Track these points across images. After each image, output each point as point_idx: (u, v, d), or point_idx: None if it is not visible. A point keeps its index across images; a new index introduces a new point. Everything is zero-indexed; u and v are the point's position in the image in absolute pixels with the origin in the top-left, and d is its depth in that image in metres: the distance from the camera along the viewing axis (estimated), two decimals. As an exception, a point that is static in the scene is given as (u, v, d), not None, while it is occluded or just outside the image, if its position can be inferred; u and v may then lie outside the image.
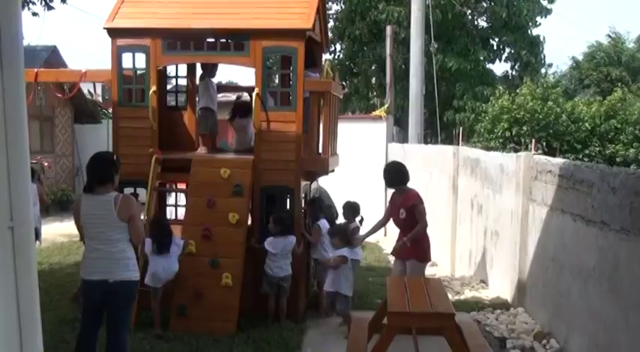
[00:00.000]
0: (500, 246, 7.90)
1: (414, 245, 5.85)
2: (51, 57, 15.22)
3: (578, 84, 27.07)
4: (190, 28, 6.36)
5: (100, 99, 17.42)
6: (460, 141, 12.16)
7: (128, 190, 6.21)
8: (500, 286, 7.78)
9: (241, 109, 7.12)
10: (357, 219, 6.89)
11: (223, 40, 6.48)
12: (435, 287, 5.07)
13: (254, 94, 6.30)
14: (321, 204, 6.98)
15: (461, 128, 14.28)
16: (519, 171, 7.11)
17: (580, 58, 30.71)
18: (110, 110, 7.22)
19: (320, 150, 6.78)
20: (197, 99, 7.43)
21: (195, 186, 6.33)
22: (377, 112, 13.75)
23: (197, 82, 7.40)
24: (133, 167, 6.27)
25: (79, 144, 17.37)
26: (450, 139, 19.63)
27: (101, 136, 16.02)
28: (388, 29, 14.74)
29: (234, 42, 6.36)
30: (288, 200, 6.48)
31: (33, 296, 2.46)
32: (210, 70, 7.23)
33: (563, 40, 38.75)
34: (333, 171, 7.04)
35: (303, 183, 6.62)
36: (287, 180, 6.32)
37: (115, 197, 4.44)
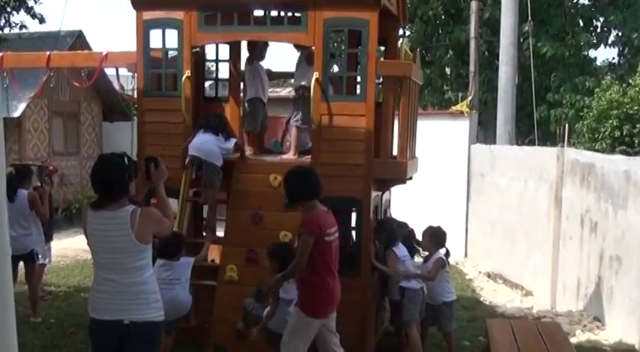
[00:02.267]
0: (624, 275, 7.45)
1: (302, 288, 4.96)
2: (76, 43, 15.20)
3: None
4: (234, -3, 6.26)
5: (131, 93, 17.43)
6: (565, 142, 11.30)
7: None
8: (624, 327, 7.33)
9: None
10: (442, 251, 6.45)
11: (275, 13, 6.46)
12: (555, 336, 4.28)
13: (312, 80, 6.04)
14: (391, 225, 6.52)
15: (566, 125, 13.38)
16: (657, 181, 6.55)
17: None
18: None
19: (395, 152, 6.54)
20: (242, 88, 7.20)
21: (238, 197, 6.21)
22: (457, 107, 13.07)
23: (243, 67, 7.24)
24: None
25: (108, 144, 17.25)
26: (542, 140, 18.72)
27: (133, 136, 15.83)
28: (473, 5, 14.18)
29: (289, 14, 6.28)
30: (354, 215, 6.28)
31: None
32: (259, 51, 6.99)
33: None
34: (411, 178, 6.71)
35: (374, 193, 6.33)
36: (354, 189, 6.07)
37: (132, 213, 3.97)
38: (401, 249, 6.30)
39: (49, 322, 7.53)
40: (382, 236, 6.32)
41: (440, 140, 12.26)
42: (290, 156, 6.77)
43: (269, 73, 7.33)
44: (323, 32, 6.00)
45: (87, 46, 15.35)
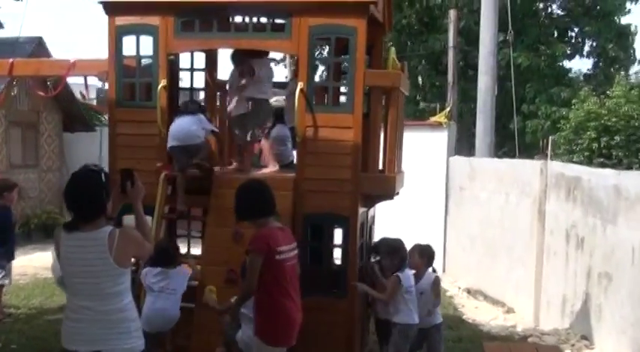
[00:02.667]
0: (614, 293, 7.38)
1: (256, 312, 4.77)
2: (36, 50, 14.78)
3: (670, 85, 26.25)
4: (213, 2, 6.13)
5: (94, 102, 17.17)
6: (549, 154, 11.32)
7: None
8: (614, 346, 7.26)
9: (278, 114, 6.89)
10: (430, 269, 6.41)
11: (257, 19, 6.31)
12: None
13: (297, 90, 5.89)
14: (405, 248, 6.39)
15: (549, 138, 13.45)
16: (651, 196, 6.55)
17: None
18: (107, 115, 7.01)
19: (382, 166, 6.42)
20: (227, 99, 6.95)
21: (218, 213, 6.01)
22: (436, 118, 13.16)
23: (219, 76, 7.19)
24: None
25: (68, 156, 17.08)
26: (514, 153, 18.86)
27: (95, 147, 15.63)
28: (452, 14, 14.25)
29: (272, 20, 6.20)
30: (341, 232, 6.13)
31: None
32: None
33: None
34: (398, 193, 6.60)
35: (361, 210, 6.21)
36: (340, 205, 5.97)
37: (110, 234, 3.77)
38: (407, 277, 6.10)
39: (9, 348, 7.22)
40: (395, 260, 6.12)
41: (417, 152, 12.05)
42: (271, 169, 6.63)
43: None
44: (308, 40, 5.88)
45: (47, 54, 14.98)
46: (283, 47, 6.16)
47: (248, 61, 6.35)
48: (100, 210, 3.82)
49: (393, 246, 6.23)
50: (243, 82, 6.35)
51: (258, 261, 4.64)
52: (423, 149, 12.24)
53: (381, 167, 6.43)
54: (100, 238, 3.76)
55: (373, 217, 7.34)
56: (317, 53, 6.66)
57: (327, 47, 8.37)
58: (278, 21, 6.16)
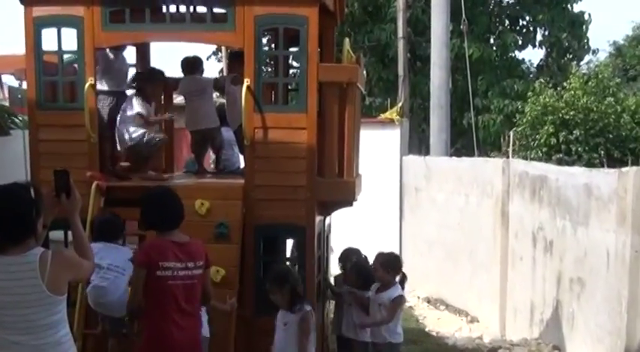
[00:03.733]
0: (588, 299, 7.43)
1: (140, 338, 4.73)
2: None
3: (623, 75, 26.89)
4: (145, -12, 6.08)
5: (6, 103, 16.56)
6: (510, 151, 11.39)
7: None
8: None
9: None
10: (397, 278, 6.43)
11: (194, 8, 6.22)
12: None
13: (243, 88, 5.83)
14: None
15: (510, 134, 13.53)
16: (626, 196, 6.57)
17: (622, 43, 30.46)
18: (24, 117, 6.74)
19: (339, 170, 6.31)
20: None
21: None
22: (387, 115, 13.27)
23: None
24: (60, 201, 5.63)
25: None
26: (469, 149, 19.00)
27: (13, 154, 15.00)
28: (400, 1, 14.26)
29: (212, 9, 6.06)
30: (296, 245, 6.22)
31: None
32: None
33: (601, 21, 38.88)
34: (356, 199, 6.57)
35: (318, 218, 6.25)
36: (295, 215, 5.97)
37: (42, 257, 3.57)
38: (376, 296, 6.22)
39: None
40: (359, 282, 6.31)
41: (368, 151, 12.06)
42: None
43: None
44: (254, 31, 5.82)
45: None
46: (226, 40, 6.09)
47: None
48: (29, 230, 3.62)
49: (351, 268, 6.43)
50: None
51: (140, 275, 4.49)
52: (373, 148, 12.17)
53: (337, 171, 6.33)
54: (29, 262, 3.56)
55: (330, 226, 7.33)
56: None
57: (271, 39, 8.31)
58: (219, 10, 6.08)
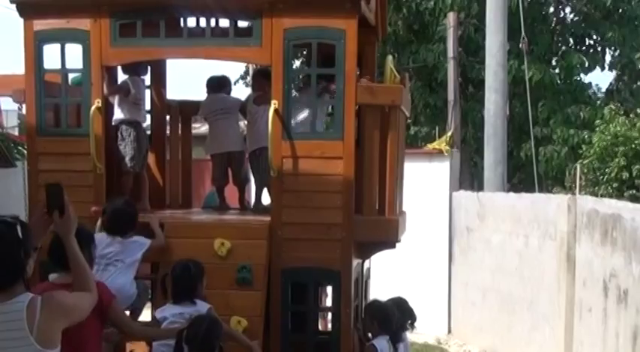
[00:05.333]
0: None
1: None
2: None
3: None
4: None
5: (15, 132, 16.83)
6: (577, 187, 11.28)
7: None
8: None
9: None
10: (385, 338, 6.37)
11: (217, 20, 6.37)
12: None
13: (270, 111, 5.87)
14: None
15: (577, 167, 13.38)
16: None
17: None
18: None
19: (380, 206, 6.31)
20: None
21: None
22: (435, 145, 13.23)
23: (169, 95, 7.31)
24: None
25: None
26: (525, 184, 18.94)
27: (16, 187, 15.23)
28: (451, 17, 14.32)
29: (236, 22, 6.13)
30: (330, 292, 6.33)
31: None
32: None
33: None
34: (400, 240, 6.57)
35: (355, 262, 6.25)
36: (328, 257, 5.97)
37: (30, 305, 3.50)
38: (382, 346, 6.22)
39: None
40: (373, 326, 6.29)
41: (413, 186, 12.11)
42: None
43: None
44: (283, 47, 5.84)
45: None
46: (251, 56, 6.13)
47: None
48: (15, 275, 3.56)
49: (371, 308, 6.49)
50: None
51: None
52: (419, 183, 12.25)
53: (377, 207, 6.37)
54: (15, 311, 3.49)
55: (369, 270, 7.37)
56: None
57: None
58: (243, 23, 6.18)
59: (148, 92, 7.29)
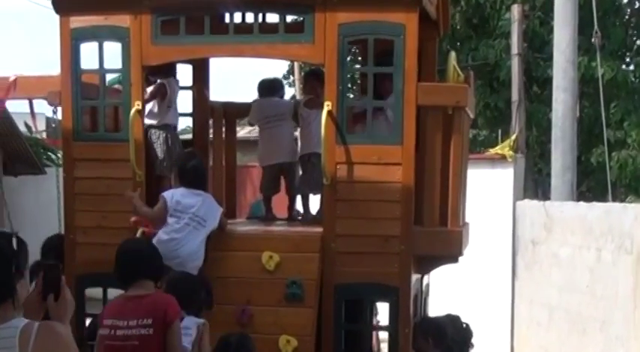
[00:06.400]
0: None
1: None
2: None
3: None
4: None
5: (44, 135, 17.11)
6: None
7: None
8: None
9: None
10: None
11: (263, 16, 6.37)
12: None
13: (323, 113, 5.86)
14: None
15: None
16: None
17: None
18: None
19: (442, 217, 6.30)
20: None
21: (215, 286, 5.95)
22: (497, 150, 13.13)
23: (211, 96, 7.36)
24: (99, 252, 5.96)
25: (11, 209, 16.79)
26: (595, 192, 18.95)
27: (47, 195, 15.43)
28: (515, 10, 14.12)
29: (286, 17, 6.18)
30: (388, 310, 6.14)
31: None
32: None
33: None
34: (462, 254, 6.59)
35: (414, 277, 6.27)
36: (386, 272, 5.95)
37: (23, 330, 3.39)
38: None
39: None
40: (428, 343, 6.29)
41: (473, 195, 12.05)
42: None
43: None
44: (337, 43, 5.83)
45: (-20, 72, 15.06)
46: (303, 54, 6.11)
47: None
48: (6, 292, 3.46)
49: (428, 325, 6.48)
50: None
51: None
52: (480, 191, 12.17)
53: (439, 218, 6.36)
54: (7, 337, 3.40)
55: (428, 286, 7.39)
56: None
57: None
58: (296, 19, 6.29)
59: (188, 93, 7.40)
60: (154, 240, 5.86)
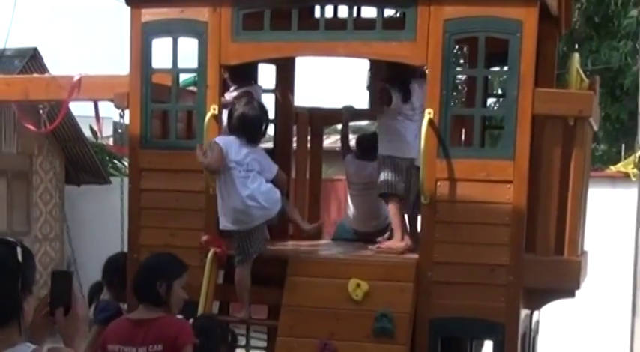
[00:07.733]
0: None
1: None
2: (29, 66, 15.24)
3: None
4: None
5: (110, 141, 17.38)
6: None
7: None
8: None
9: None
10: None
11: (358, 10, 6.48)
12: None
13: (424, 122, 5.84)
14: None
15: None
16: None
17: None
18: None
19: (558, 244, 6.18)
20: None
21: (295, 317, 6.12)
22: (619, 167, 12.95)
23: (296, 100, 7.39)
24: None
25: (73, 219, 17.23)
26: None
27: (110, 207, 15.67)
28: None
29: (384, 11, 6.16)
30: (492, 350, 6.13)
31: None
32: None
33: None
34: (579, 288, 6.46)
35: (523, 313, 6.23)
36: (490, 306, 5.93)
37: None
38: None
39: None
40: None
41: (591, 218, 11.88)
42: (392, 245, 6.55)
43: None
44: (442, 42, 5.81)
45: (44, 70, 15.25)
46: (402, 54, 6.01)
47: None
48: (10, 310, 3.37)
49: None
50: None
51: None
52: (598, 213, 11.91)
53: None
54: None
55: (538, 324, 7.31)
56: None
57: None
58: (396, 14, 6.32)
59: (270, 97, 7.43)
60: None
